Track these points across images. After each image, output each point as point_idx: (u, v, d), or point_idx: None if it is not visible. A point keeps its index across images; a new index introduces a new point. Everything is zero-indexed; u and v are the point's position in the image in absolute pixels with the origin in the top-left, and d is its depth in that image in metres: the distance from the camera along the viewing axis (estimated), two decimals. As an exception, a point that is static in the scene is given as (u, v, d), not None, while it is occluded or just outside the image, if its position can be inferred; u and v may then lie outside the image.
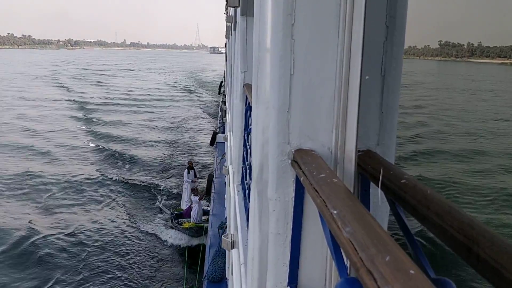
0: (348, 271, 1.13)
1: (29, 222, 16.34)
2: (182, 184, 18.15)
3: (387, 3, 1.57)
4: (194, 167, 17.83)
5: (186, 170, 17.57)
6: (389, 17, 1.58)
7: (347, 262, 1.09)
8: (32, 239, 14.93)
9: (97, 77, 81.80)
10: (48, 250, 14.35)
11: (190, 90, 66.91)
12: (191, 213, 15.68)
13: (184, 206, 17.06)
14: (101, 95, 55.97)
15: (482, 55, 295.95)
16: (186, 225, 15.39)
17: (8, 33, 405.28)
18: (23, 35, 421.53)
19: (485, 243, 0.85)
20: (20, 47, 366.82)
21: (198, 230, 14.74)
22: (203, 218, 15.44)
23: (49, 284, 12.54)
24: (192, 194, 15.99)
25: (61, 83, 69.04)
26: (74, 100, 49.66)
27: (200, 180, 19.03)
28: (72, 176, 21.96)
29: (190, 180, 17.20)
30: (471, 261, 0.88)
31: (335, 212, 1.01)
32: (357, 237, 0.86)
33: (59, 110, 42.78)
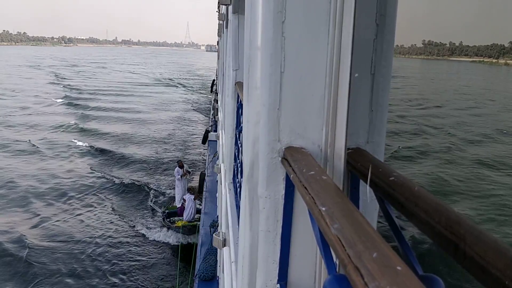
0: (337, 268, 1.13)
1: (16, 224, 16.13)
2: (174, 183, 18.10)
3: (377, 2, 1.58)
4: (184, 165, 17.87)
5: (177, 168, 17.59)
6: (379, 15, 1.59)
7: (336, 259, 1.09)
8: (22, 242, 14.70)
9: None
10: (38, 252, 14.17)
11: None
12: (184, 211, 15.65)
13: (178, 204, 17.03)
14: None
15: (462, 54, 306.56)
16: (179, 223, 15.34)
17: (4, 30, 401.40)
18: (18, 32, 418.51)
19: (471, 239, 0.86)
20: (17, 44, 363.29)
21: (191, 229, 14.70)
22: (196, 216, 15.42)
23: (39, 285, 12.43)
24: (188, 193, 15.97)
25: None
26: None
27: (192, 177, 19.02)
28: (59, 174, 21.77)
29: (179, 176, 17.21)
30: (458, 257, 0.88)
31: (323, 209, 1.01)
32: (345, 234, 0.86)
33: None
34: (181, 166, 17.46)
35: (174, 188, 18.29)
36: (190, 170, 18.62)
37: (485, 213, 18.47)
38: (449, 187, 21.79)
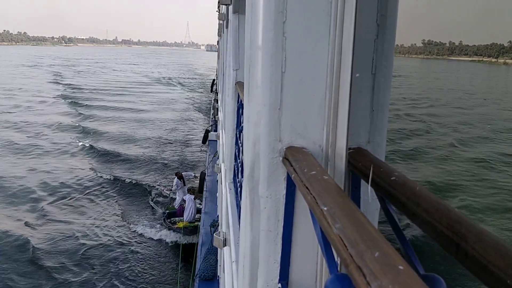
0: (338, 268, 1.13)
1: (18, 222, 16.15)
2: (173, 184, 17.94)
3: (378, 2, 1.58)
4: (184, 177, 17.45)
5: (176, 179, 17.12)
6: (380, 15, 1.59)
7: (337, 259, 1.10)
8: (25, 242, 14.66)
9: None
10: (39, 251, 14.16)
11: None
12: (184, 212, 15.59)
13: (177, 206, 16.91)
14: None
15: (461, 53, 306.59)
16: (180, 224, 15.29)
17: (4, 30, 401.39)
18: (18, 32, 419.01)
19: (472, 239, 0.86)
20: (18, 43, 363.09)
21: (192, 230, 14.66)
22: (196, 217, 15.37)
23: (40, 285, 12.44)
24: (188, 193, 15.87)
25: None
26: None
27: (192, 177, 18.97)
28: (60, 174, 21.76)
29: (179, 188, 16.92)
30: (459, 257, 0.89)
31: (325, 208, 1.01)
32: (347, 234, 0.86)
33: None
34: (180, 177, 16.97)
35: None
36: (191, 177, 18.18)
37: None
38: (439, 178, 23.33)
